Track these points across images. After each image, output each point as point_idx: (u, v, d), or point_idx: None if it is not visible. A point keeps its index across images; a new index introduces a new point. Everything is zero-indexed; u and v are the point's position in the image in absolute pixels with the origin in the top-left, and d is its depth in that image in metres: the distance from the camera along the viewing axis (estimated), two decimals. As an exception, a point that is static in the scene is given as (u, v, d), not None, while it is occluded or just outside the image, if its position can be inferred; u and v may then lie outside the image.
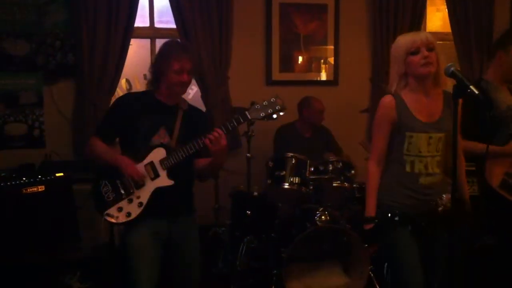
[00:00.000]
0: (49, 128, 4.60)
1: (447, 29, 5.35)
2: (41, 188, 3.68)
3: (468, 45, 5.23)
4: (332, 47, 5.18)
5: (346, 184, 3.95)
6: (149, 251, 2.70)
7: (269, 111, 2.65)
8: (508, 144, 3.07)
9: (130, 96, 2.96)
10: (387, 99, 2.62)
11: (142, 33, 4.90)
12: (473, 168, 3.19)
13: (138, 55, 5.11)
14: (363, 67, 5.25)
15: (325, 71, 5.24)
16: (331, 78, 5.22)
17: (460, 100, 2.36)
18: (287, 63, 5.11)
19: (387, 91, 2.70)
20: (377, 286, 3.71)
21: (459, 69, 2.39)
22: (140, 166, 2.67)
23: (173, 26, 4.75)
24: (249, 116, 2.65)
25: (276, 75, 5.06)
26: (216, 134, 2.59)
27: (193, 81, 4.85)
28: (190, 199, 2.89)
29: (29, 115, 4.56)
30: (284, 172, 3.92)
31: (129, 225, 2.69)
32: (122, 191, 2.68)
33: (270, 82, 5.05)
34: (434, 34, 5.51)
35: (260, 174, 4.25)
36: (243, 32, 4.92)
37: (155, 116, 2.73)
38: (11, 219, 3.56)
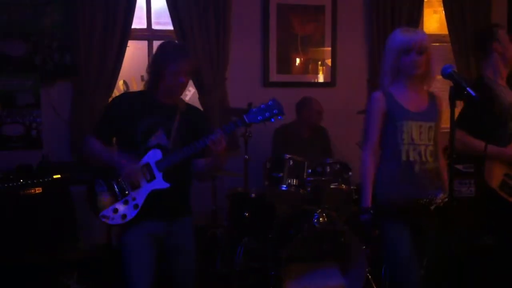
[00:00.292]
0: (46, 129, 4.59)
1: (444, 31, 5.36)
2: (38, 190, 3.69)
3: (465, 47, 5.25)
4: (329, 48, 5.18)
5: (344, 186, 3.97)
6: (145, 252, 2.70)
7: (266, 115, 2.64)
8: (508, 146, 3.08)
9: (127, 95, 2.97)
10: (377, 94, 2.77)
11: (139, 34, 4.90)
12: (471, 170, 3.21)
13: (135, 56, 5.11)
14: (361, 68, 5.25)
15: (323, 72, 5.24)
16: (329, 79, 5.22)
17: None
18: (285, 65, 5.11)
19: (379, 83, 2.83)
20: (375, 287, 3.72)
21: (456, 70, 2.41)
22: (137, 167, 2.66)
23: (171, 27, 4.74)
24: (246, 120, 2.64)
25: (274, 77, 5.06)
26: (218, 136, 2.59)
27: (190, 82, 4.90)
28: (187, 200, 2.88)
29: (26, 116, 4.54)
30: (281, 174, 3.93)
31: (126, 226, 2.68)
32: (118, 192, 2.67)
33: (267, 83, 5.06)
34: (431, 36, 5.62)
35: (258, 175, 4.25)
36: (241, 33, 4.92)
37: (153, 117, 2.71)
38: (9, 220, 3.56)
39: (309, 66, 5.20)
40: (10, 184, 3.62)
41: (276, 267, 3.65)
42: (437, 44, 5.73)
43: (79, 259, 3.81)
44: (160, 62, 2.68)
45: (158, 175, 2.66)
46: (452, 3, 5.24)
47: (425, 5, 5.35)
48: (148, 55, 4.90)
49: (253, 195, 4.22)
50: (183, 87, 2.74)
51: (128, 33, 4.61)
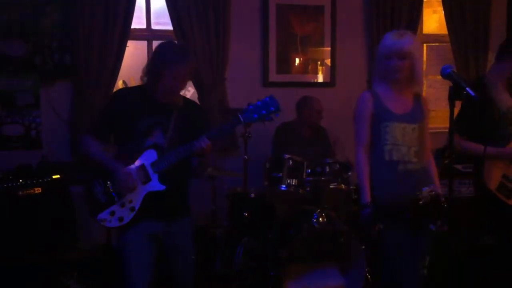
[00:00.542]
0: (46, 129, 4.59)
1: (444, 31, 5.37)
2: (38, 190, 3.69)
3: (464, 47, 5.25)
4: (329, 48, 5.19)
5: (343, 186, 3.97)
6: (144, 252, 2.70)
7: (263, 113, 2.61)
8: (506, 147, 3.09)
9: (126, 92, 2.93)
10: (365, 94, 2.87)
11: (139, 34, 4.90)
12: (470, 170, 3.22)
13: (135, 56, 5.11)
14: (360, 68, 5.25)
15: (322, 72, 5.24)
16: (328, 79, 5.23)
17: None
18: (284, 65, 5.11)
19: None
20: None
21: (455, 70, 2.41)
22: (132, 169, 2.64)
23: (170, 27, 4.74)
24: (242, 119, 2.61)
25: (273, 77, 5.06)
26: (203, 144, 2.57)
27: (190, 83, 4.90)
28: (185, 200, 2.86)
29: (26, 116, 4.55)
30: (281, 174, 3.93)
31: (124, 227, 2.68)
32: (114, 195, 2.65)
33: (266, 83, 5.06)
34: (431, 36, 5.63)
35: (257, 175, 4.25)
36: (240, 33, 4.93)
37: (151, 116, 2.69)
38: (8, 220, 3.56)
39: (309, 66, 5.20)
40: (10, 185, 3.62)
41: (275, 267, 3.66)
42: (437, 44, 5.74)
43: (79, 259, 3.81)
44: (159, 63, 2.65)
45: (154, 177, 2.63)
46: (452, 3, 5.24)
47: (424, 5, 5.36)
48: (148, 55, 4.90)
49: (252, 195, 4.22)
50: (182, 89, 2.73)
51: (127, 33, 4.61)
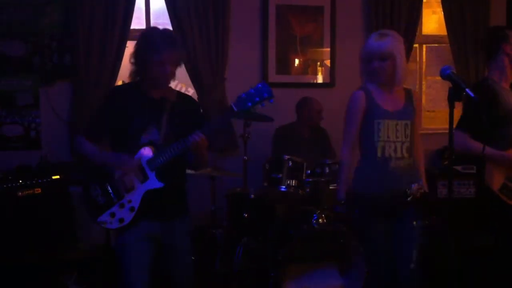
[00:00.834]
0: (45, 129, 4.60)
1: (443, 31, 5.37)
2: (37, 190, 3.69)
3: (464, 48, 5.25)
4: (328, 49, 5.19)
5: (343, 186, 3.96)
6: (142, 252, 2.68)
7: (256, 100, 2.52)
8: (509, 149, 3.08)
9: (119, 90, 2.84)
10: (359, 92, 2.93)
11: (139, 35, 4.88)
12: (470, 171, 3.21)
13: (134, 56, 5.10)
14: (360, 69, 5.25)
15: (322, 73, 5.24)
16: (328, 80, 5.23)
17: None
18: (284, 65, 5.11)
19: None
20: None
21: (454, 71, 2.42)
22: (132, 165, 2.59)
23: (169, 28, 4.74)
24: (235, 109, 2.52)
25: (273, 77, 5.06)
26: (198, 139, 2.50)
27: (189, 83, 4.91)
28: (183, 199, 2.83)
29: (25, 116, 4.55)
30: (280, 175, 3.93)
31: (123, 227, 2.65)
32: (113, 196, 2.63)
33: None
34: (430, 36, 5.63)
35: (257, 176, 4.25)
36: (240, 33, 4.93)
37: (142, 112, 2.62)
38: (8, 221, 3.56)
39: (308, 67, 5.20)
40: (10, 185, 3.62)
41: (275, 268, 3.65)
42: (436, 45, 5.75)
43: (79, 259, 3.82)
44: (142, 52, 2.57)
45: (151, 175, 2.59)
46: (451, 4, 5.25)
47: (424, 5, 5.36)
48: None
49: (252, 195, 4.22)
50: (170, 77, 2.61)
51: (127, 34, 4.61)
